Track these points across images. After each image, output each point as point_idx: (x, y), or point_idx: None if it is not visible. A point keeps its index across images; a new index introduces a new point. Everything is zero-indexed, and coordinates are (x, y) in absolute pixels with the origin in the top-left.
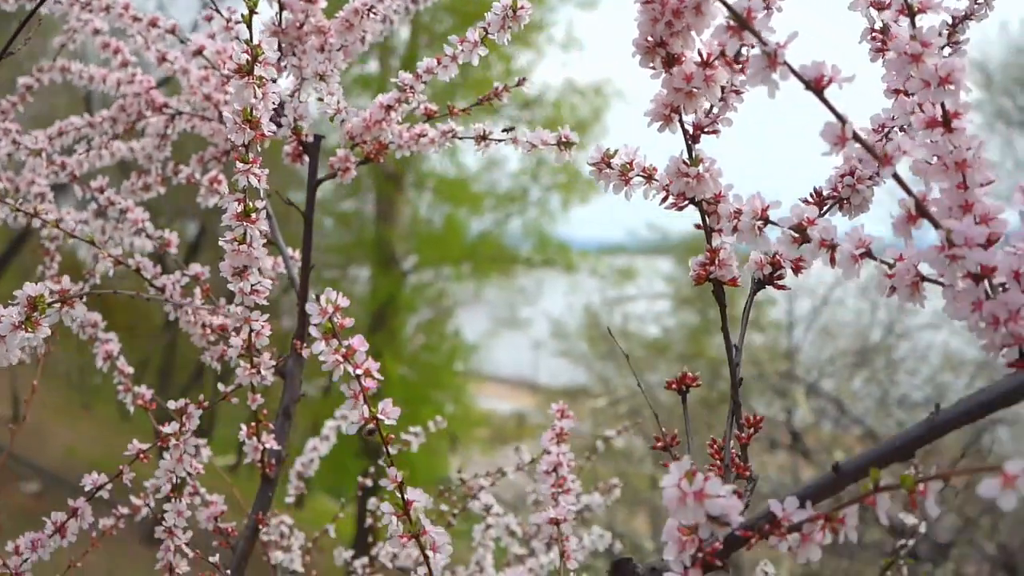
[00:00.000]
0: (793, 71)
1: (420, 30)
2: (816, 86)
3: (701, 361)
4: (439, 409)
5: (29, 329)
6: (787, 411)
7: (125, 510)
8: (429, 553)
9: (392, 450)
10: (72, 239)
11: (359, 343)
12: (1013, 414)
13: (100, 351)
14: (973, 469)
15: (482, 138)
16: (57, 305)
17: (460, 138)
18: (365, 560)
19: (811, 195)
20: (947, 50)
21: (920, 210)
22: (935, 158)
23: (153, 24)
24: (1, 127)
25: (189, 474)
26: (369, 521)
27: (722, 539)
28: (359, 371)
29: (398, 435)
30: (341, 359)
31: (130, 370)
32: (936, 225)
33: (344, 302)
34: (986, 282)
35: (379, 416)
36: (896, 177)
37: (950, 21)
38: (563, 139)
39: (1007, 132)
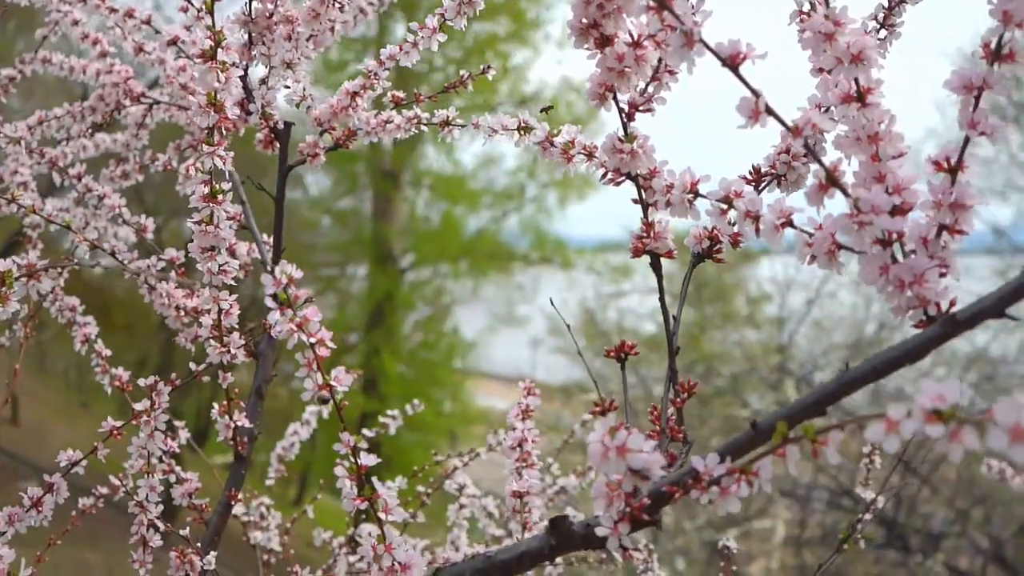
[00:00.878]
0: (709, 48)
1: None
2: (732, 63)
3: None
4: (438, 407)
5: None
6: (779, 404)
7: (104, 490)
8: (382, 515)
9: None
10: (54, 226)
11: (313, 313)
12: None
13: (78, 334)
14: (866, 417)
15: (445, 124)
16: (24, 279)
17: (426, 124)
18: (342, 539)
19: (749, 172)
20: (883, 32)
21: (831, 179)
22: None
23: (129, 15)
24: None
25: (164, 452)
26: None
27: (649, 495)
28: (313, 340)
29: (401, 445)
30: (295, 328)
31: (107, 352)
32: (845, 194)
33: (298, 274)
34: (897, 247)
35: (332, 383)
36: (808, 148)
37: (887, 4)
38: (522, 124)
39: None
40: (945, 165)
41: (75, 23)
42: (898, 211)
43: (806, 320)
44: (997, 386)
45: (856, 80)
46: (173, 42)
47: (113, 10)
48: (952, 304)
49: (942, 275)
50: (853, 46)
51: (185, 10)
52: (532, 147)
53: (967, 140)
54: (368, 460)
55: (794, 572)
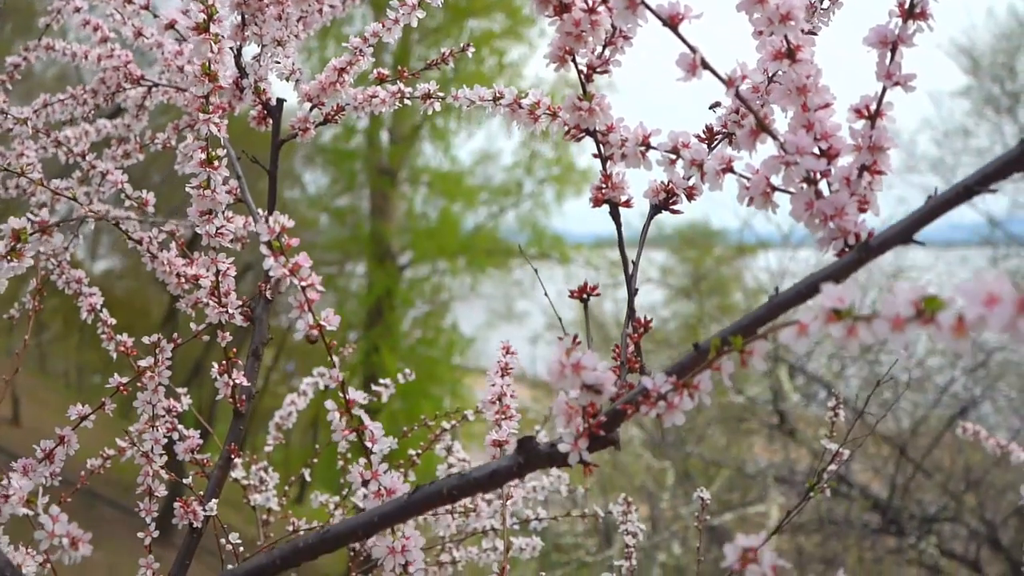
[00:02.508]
0: (650, 9)
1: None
2: (672, 23)
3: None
4: (437, 403)
5: (14, 258)
6: (772, 391)
7: (111, 451)
8: (368, 444)
9: (335, 358)
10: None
11: (304, 259)
12: (994, 390)
13: (84, 304)
14: (780, 326)
15: (427, 96)
16: (38, 235)
17: (409, 98)
18: (337, 499)
19: (703, 130)
20: (826, 2)
21: (761, 126)
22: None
23: (128, 1)
24: None
25: (166, 410)
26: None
27: (605, 414)
28: (304, 283)
29: (402, 450)
30: (288, 273)
31: (113, 321)
32: (774, 138)
33: (289, 223)
34: (825, 187)
35: (322, 323)
36: (739, 98)
37: None
38: (497, 95)
39: (996, 118)
40: (865, 112)
41: (76, 10)
42: (826, 155)
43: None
44: (990, 372)
45: (786, 38)
46: (171, 26)
47: None
48: (870, 235)
49: (862, 210)
50: (782, 7)
51: None
52: (529, 144)
53: (884, 89)
54: (356, 395)
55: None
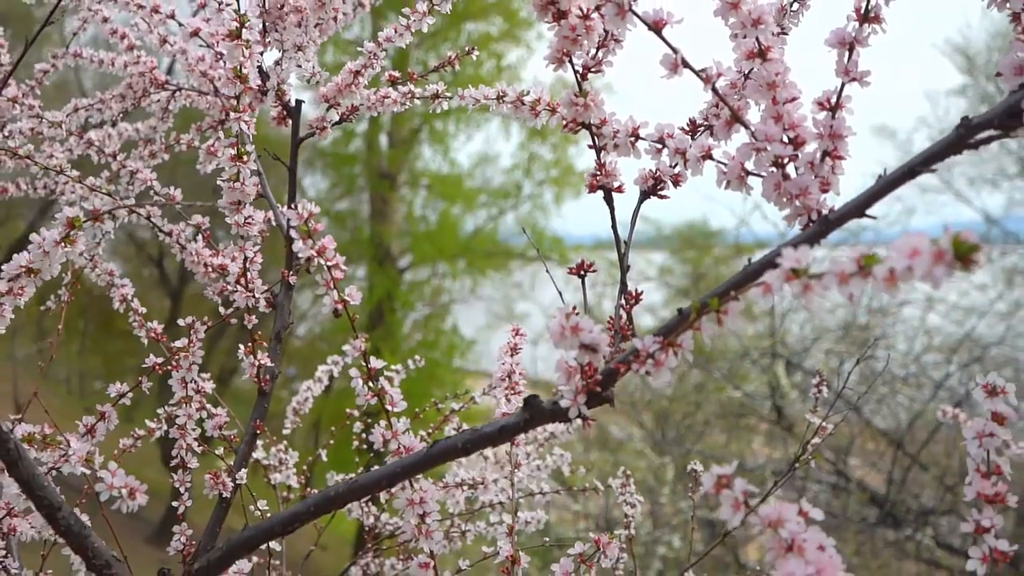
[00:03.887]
0: (638, 16)
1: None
2: (657, 27)
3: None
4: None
5: (67, 244)
6: (771, 386)
7: (141, 432)
8: (389, 408)
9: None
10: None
11: (329, 242)
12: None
13: (116, 295)
14: (749, 286)
15: (436, 96)
16: (90, 222)
17: (418, 98)
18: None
19: (688, 123)
20: (795, 5)
21: (734, 117)
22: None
23: (155, 11)
24: (26, 103)
25: (196, 390)
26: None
27: (601, 373)
28: (330, 263)
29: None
30: (316, 254)
31: (143, 310)
32: (747, 127)
33: (316, 209)
34: (792, 169)
35: (346, 298)
36: (715, 92)
37: None
38: (501, 93)
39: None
40: (827, 105)
41: (105, 20)
42: (793, 142)
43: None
44: (985, 367)
45: (757, 40)
46: (195, 33)
47: (140, 6)
48: (830, 211)
49: (824, 190)
50: (753, 12)
51: (203, 6)
52: (528, 147)
53: (843, 85)
54: (376, 363)
55: None
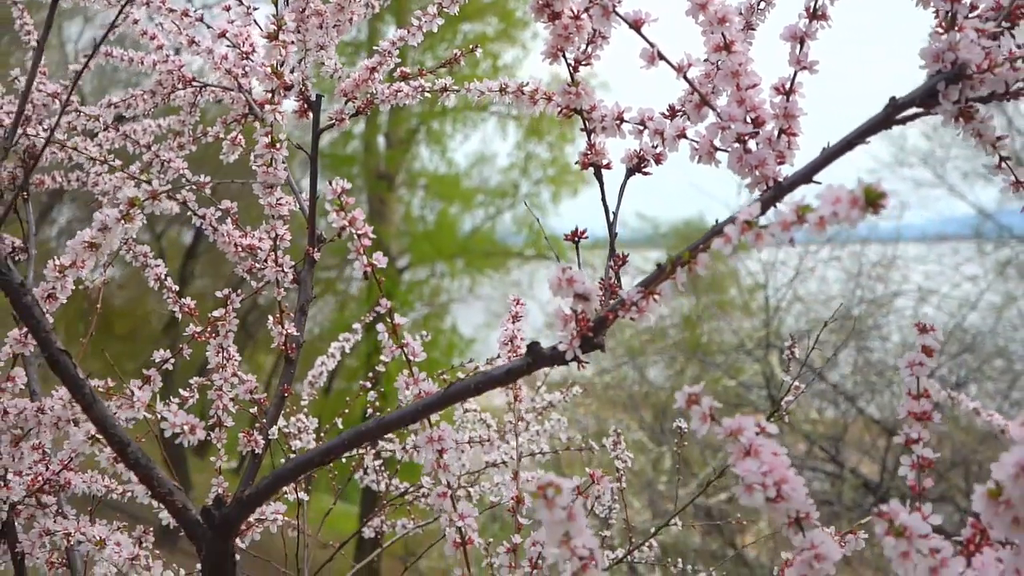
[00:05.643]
0: (620, 16)
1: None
2: (636, 25)
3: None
4: None
5: (127, 221)
6: (764, 376)
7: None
8: (411, 357)
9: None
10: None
11: (359, 214)
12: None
13: (151, 274)
14: (712, 238)
15: (444, 90)
16: (150, 200)
17: (428, 92)
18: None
19: (667, 108)
20: (762, 3)
21: (703, 100)
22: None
23: (185, 14)
24: (64, 98)
25: (227, 357)
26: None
27: (592, 321)
28: (360, 232)
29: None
30: (347, 224)
31: (176, 287)
32: (713, 109)
33: (347, 185)
34: (754, 145)
35: (374, 262)
36: (687, 80)
37: None
38: (502, 87)
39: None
40: (782, 90)
41: (135, 22)
42: (754, 122)
43: (788, 295)
44: (977, 356)
45: (723, 35)
46: (222, 35)
47: (171, 10)
48: (784, 179)
49: (780, 162)
50: (719, 12)
51: (228, 8)
52: (524, 146)
53: (795, 73)
54: (401, 320)
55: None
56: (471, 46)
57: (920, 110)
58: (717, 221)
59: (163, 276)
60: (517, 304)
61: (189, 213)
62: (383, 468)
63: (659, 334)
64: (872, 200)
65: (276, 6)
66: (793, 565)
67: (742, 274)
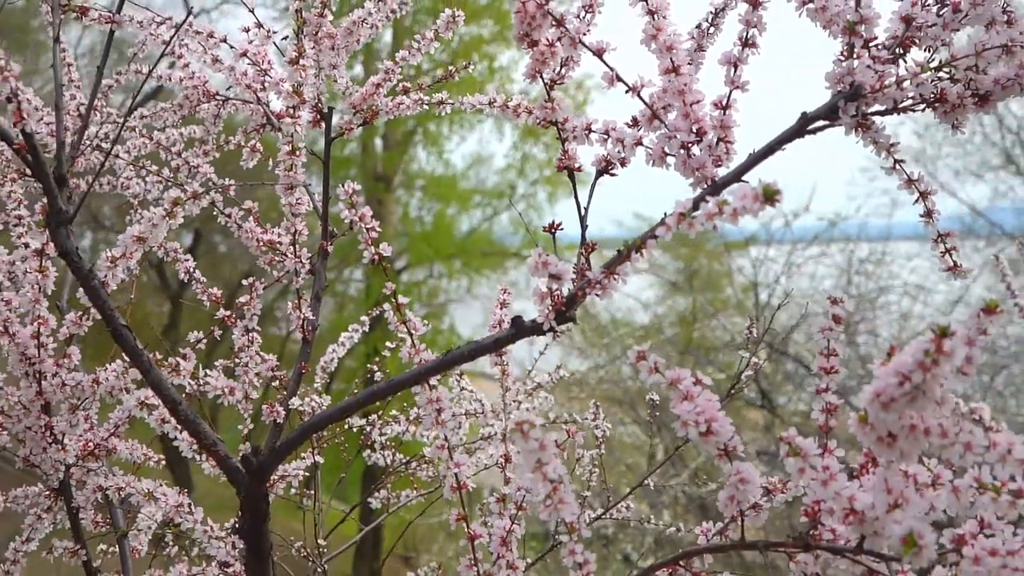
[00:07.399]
0: (585, 45)
1: (402, 34)
2: (598, 53)
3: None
4: None
5: (170, 218)
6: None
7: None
8: (413, 331)
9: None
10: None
11: (367, 210)
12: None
13: (181, 269)
14: (659, 227)
15: (441, 103)
16: (191, 200)
17: (428, 104)
18: (375, 416)
19: (631, 119)
20: (711, 28)
21: (654, 115)
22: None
23: (210, 36)
24: (104, 109)
25: (250, 340)
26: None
27: (565, 297)
28: (368, 226)
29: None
30: (358, 220)
31: (204, 280)
32: (661, 121)
33: (358, 186)
34: (697, 150)
35: (381, 252)
36: (640, 98)
37: (714, 10)
38: (491, 101)
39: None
40: (720, 105)
41: (164, 43)
42: (697, 132)
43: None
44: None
45: (671, 60)
46: (244, 54)
47: (198, 32)
48: (720, 179)
49: (717, 165)
50: (667, 41)
51: (247, 31)
52: (521, 147)
53: (730, 92)
54: (403, 300)
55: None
56: (465, 63)
57: (826, 122)
58: (731, 232)
59: (192, 269)
60: (504, 293)
61: (215, 212)
62: (389, 444)
63: (654, 331)
64: (769, 196)
65: (297, 36)
66: (724, 488)
67: (736, 276)
